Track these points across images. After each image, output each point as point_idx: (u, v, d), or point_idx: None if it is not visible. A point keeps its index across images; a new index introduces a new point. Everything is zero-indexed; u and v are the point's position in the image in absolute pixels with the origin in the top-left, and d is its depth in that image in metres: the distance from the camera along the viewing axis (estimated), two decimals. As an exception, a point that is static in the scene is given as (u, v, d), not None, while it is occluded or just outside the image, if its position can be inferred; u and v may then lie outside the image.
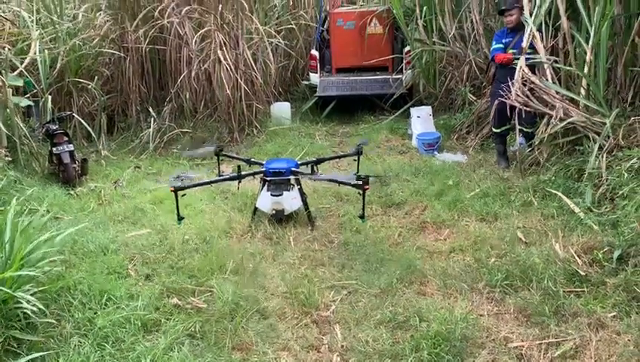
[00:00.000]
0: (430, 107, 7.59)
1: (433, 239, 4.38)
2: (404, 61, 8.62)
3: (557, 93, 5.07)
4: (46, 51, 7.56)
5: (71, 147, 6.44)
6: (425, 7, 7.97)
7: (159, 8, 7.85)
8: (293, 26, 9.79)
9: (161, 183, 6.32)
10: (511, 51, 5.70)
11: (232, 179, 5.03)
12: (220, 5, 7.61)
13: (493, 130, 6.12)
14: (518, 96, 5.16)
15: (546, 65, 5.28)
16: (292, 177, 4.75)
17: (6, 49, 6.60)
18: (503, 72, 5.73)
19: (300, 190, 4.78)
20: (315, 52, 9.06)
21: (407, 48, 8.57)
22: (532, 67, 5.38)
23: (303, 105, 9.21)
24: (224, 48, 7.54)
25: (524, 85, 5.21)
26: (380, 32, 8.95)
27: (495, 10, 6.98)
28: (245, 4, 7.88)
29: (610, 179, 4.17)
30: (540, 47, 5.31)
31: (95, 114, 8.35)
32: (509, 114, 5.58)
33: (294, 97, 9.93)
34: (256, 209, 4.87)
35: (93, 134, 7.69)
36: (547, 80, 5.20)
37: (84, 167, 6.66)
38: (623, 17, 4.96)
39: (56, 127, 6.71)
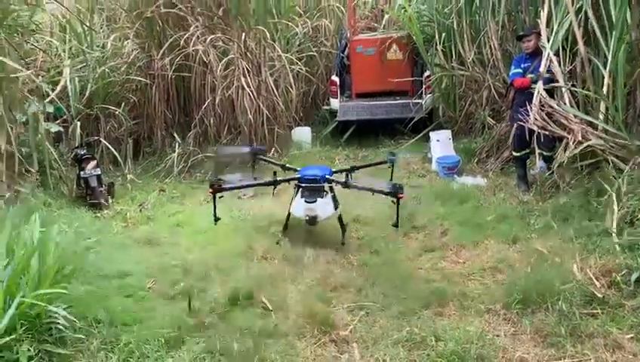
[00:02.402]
0: (450, 131, 7.64)
1: (453, 261, 4.41)
2: (423, 86, 8.72)
3: (575, 116, 5.10)
4: (76, 79, 7.87)
5: (98, 171, 6.65)
6: (444, 34, 8.08)
7: (185, 37, 8.11)
8: (314, 53, 9.99)
9: (186, 206, 6.48)
10: (529, 76, 5.75)
11: (268, 184, 5.16)
12: (244, 34, 7.85)
13: (514, 153, 6.15)
14: (537, 120, 5.20)
15: (563, 90, 5.33)
16: (326, 185, 4.80)
17: (40, 78, 6.86)
18: (522, 97, 5.77)
19: (334, 197, 4.83)
20: (335, 78, 9.23)
21: (426, 73, 8.68)
22: (551, 91, 5.43)
23: (324, 129, 9.35)
24: (247, 75, 7.76)
25: (543, 109, 5.26)
26: (399, 57, 9.09)
27: (513, 35, 7.06)
28: (268, 32, 8.12)
29: (630, 202, 4.16)
30: (557, 72, 5.36)
31: (121, 139, 8.60)
32: (528, 138, 5.61)
33: (315, 122, 10.08)
34: (289, 215, 4.94)
35: (119, 159, 7.91)
36: (565, 104, 5.24)
37: (111, 190, 6.85)
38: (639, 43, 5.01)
39: (85, 151, 6.95)
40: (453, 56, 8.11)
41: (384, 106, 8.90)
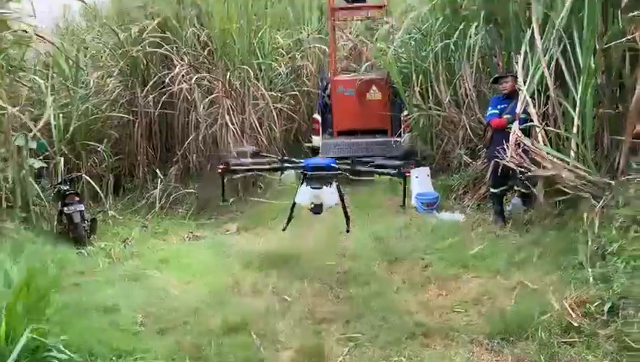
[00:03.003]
0: (428, 168, 7.87)
1: (436, 294, 4.53)
2: (402, 125, 9.00)
3: (548, 154, 5.36)
4: (60, 115, 7.92)
5: (81, 207, 6.66)
6: (421, 76, 8.42)
7: (170, 76, 8.29)
8: (297, 92, 10.25)
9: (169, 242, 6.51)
10: (506, 116, 6.02)
11: (275, 169, 5.22)
12: (229, 73, 8.07)
13: (491, 190, 6.37)
14: (513, 157, 5.45)
15: (538, 129, 5.60)
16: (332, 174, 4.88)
17: (26, 114, 6.91)
18: (499, 136, 6.01)
19: (338, 187, 4.91)
20: (317, 116, 9.47)
21: (405, 113, 8.98)
22: (526, 131, 5.70)
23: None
24: (231, 113, 7.94)
25: (518, 147, 5.51)
26: (379, 97, 9.40)
27: (487, 78, 7.40)
28: (252, 72, 8.35)
29: (602, 236, 4.38)
30: (532, 113, 5.65)
31: (103, 175, 8.64)
32: (505, 175, 5.85)
33: (297, 158, 10.24)
34: (293, 208, 4.99)
35: (101, 194, 7.92)
36: (539, 142, 5.50)
37: (94, 226, 6.85)
38: (605, 87, 5.34)
39: (67, 187, 6.96)
40: (430, 97, 8.41)
41: (364, 144, 9.13)
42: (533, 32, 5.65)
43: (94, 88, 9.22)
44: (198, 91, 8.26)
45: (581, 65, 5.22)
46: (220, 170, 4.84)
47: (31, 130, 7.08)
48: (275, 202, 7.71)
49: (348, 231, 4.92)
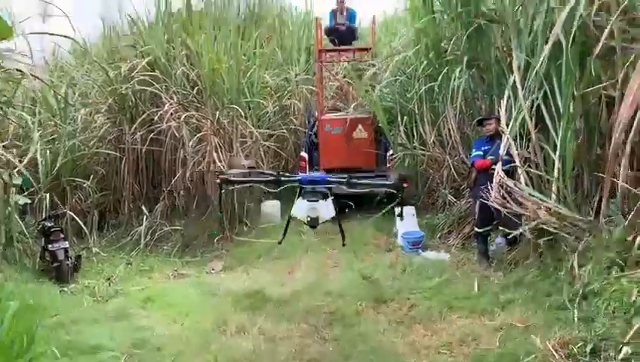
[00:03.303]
0: (413, 207, 7.97)
1: (422, 334, 4.55)
2: (387, 164, 9.12)
3: (530, 195, 5.48)
4: (47, 151, 7.93)
5: (66, 244, 6.61)
6: (406, 116, 8.60)
7: (158, 113, 8.36)
8: (284, 130, 10.37)
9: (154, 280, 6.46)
10: (489, 157, 6.17)
11: (271, 181, 5.24)
12: (217, 112, 8.17)
13: (476, 229, 6.46)
14: (497, 198, 5.56)
15: (519, 171, 5.74)
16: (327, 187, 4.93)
17: (13, 151, 6.91)
18: (483, 177, 6.14)
19: (334, 201, 4.95)
20: (304, 154, 9.56)
21: (390, 152, 9.11)
22: (510, 172, 5.84)
23: (292, 202, 9.53)
24: (219, 150, 7.99)
25: (502, 188, 5.64)
26: (365, 136, 9.53)
27: (470, 120, 7.59)
28: (240, 110, 8.46)
29: (583, 277, 4.46)
30: (515, 155, 5.80)
31: (88, 211, 8.59)
32: (489, 215, 5.96)
33: (284, 195, 10.28)
34: (289, 221, 5.00)
35: (85, 230, 7.87)
36: (521, 183, 5.63)
37: (78, 264, 6.78)
38: (584, 131, 5.52)
39: (52, 224, 6.90)
40: (415, 137, 8.58)
41: (353, 181, 9.19)
42: (515, 78, 5.84)
43: (82, 125, 9.25)
44: (187, 129, 8.33)
45: (561, 110, 5.41)
46: (218, 181, 4.89)
47: (16, 167, 7.10)
48: (260, 241, 7.72)
49: (344, 245, 4.96)
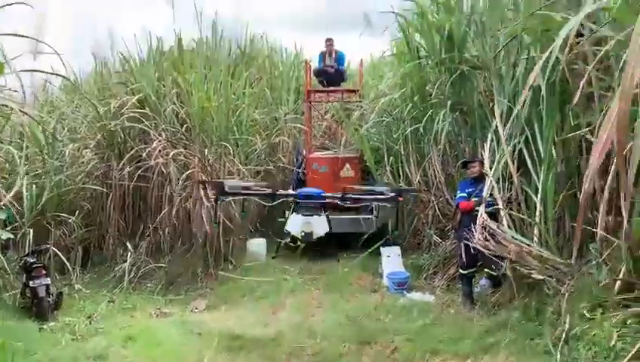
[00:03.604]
0: (399, 247, 7.99)
1: (405, 379, 4.52)
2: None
3: (513, 238, 5.54)
4: (33, 186, 7.90)
5: (47, 280, 6.52)
6: (392, 157, 8.72)
7: (147, 150, 8.41)
8: (272, 168, 10.44)
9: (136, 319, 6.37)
10: (474, 199, 6.25)
11: (267, 195, 5.23)
12: (205, 149, 8.23)
13: (461, 271, 6.49)
14: (479, 240, 5.62)
15: (502, 213, 5.83)
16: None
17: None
18: (467, 218, 6.21)
19: (327, 218, 4.93)
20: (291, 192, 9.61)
21: (377, 191, 9.19)
22: (494, 214, 5.92)
23: (279, 241, 9.53)
24: (206, 188, 8.01)
25: (485, 231, 5.70)
26: (352, 175, 9.63)
27: (454, 161, 7.72)
28: (229, 147, 8.54)
29: (565, 320, 4.49)
30: (498, 197, 5.90)
31: (71, 247, 8.51)
32: (474, 257, 6.01)
33: (270, 233, 10.27)
34: (281, 241, 4.98)
35: (68, 267, 7.78)
36: (504, 226, 5.71)
37: (59, 301, 6.68)
38: (565, 175, 5.64)
39: (34, 260, 6.82)
40: (401, 177, 8.68)
41: (337, 221, 9.24)
42: (497, 123, 5.99)
43: (70, 160, 9.25)
44: (174, 166, 8.36)
45: (542, 155, 5.54)
46: (214, 193, 4.93)
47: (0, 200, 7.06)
48: (245, 278, 7.68)
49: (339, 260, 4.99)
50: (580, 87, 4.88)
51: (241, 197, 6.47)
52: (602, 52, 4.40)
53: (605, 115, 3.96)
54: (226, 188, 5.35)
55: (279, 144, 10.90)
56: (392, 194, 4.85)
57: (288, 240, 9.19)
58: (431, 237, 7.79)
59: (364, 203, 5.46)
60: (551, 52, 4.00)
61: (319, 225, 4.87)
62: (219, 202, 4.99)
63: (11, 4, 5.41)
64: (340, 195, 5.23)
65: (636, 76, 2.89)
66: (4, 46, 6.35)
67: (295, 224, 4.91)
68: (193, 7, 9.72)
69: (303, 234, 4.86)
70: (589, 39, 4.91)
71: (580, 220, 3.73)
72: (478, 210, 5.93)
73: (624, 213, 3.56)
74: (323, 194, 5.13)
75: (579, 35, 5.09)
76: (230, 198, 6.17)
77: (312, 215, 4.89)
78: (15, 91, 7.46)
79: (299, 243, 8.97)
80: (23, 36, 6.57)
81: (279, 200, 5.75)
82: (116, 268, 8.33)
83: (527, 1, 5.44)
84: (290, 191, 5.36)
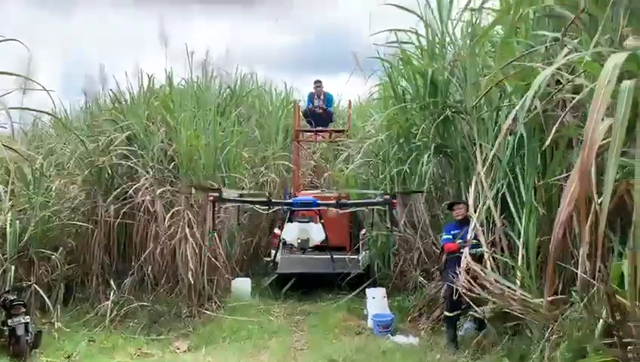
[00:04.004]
0: (384, 289, 7.97)
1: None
2: (360, 242, 9.21)
3: (496, 281, 5.57)
4: (17, 222, 7.83)
5: (27, 319, 6.41)
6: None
7: (134, 187, 8.41)
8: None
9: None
10: (458, 241, 6.30)
11: (262, 203, 5.22)
12: (192, 188, 8.25)
13: (445, 313, 6.48)
14: (464, 283, 5.65)
15: (486, 256, 5.87)
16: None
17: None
18: (453, 260, 6.26)
19: (323, 226, 4.91)
20: (278, 231, 9.59)
21: (363, 231, 9.22)
22: (479, 257, 5.96)
23: (264, 280, 9.48)
24: (192, 226, 8.00)
25: (468, 273, 5.73)
26: (339, 215, 9.66)
27: (440, 203, 7.80)
28: (215, 185, 8.56)
29: (548, 364, 4.49)
30: (482, 240, 5.96)
31: (53, 284, 8.38)
32: (459, 299, 6.01)
33: (255, 273, 10.21)
34: (279, 245, 4.94)
35: (49, 304, 7.65)
36: (487, 269, 5.75)
37: (37, 340, 6.55)
38: (546, 219, 5.72)
39: (15, 297, 6.72)
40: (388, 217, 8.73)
41: (323, 261, 9.21)
42: (479, 168, 6.09)
43: (56, 195, 9.20)
44: (161, 203, 8.36)
45: (524, 199, 5.63)
46: (210, 199, 4.97)
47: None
48: (229, 317, 7.60)
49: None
50: (552, 131, 5.02)
51: (238, 205, 6.60)
52: (576, 99, 4.54)
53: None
54: (224, 195, 5.48)
55: (267, 182, 10.94)
56: (387, 197, 5.01)
57: (274, 277, 9.16)
58: (416, 278, 7.79)
59: (359, 208, 5.66)
60: (526, 99, 4.13)
61: (316, 232, 4.92)
62: (216, 209, 5.09)
63: (2, 40, 5.50)
64: (334, 202, 5.35)
65: (599, 126, 2.99)
66: (-6, 82, 6.42)
67: (291, 232, 4.96)
68: (185, 47, 9.91)
69: (299, 241, 4.89)
70: (567, 88, 5.07)
71: (550, 266, 3.79)
72: (462, 252, 5.98)
73: (598, 258, 3.63)
74: (318, 201, 5.23)
75: (558, 83, 5.28)
76: (228, 205, 6.30)
77: (307, 222, 4.96)
78: (4, 127, 7.48)
79: (286, 281, 8.97)
80: (13, 74, 6.69)
81: (273, 208, 5.84)
82: (99, 307, 8.20)
83: (507, 50, 5.62)
84: (286, 201, 5.47)
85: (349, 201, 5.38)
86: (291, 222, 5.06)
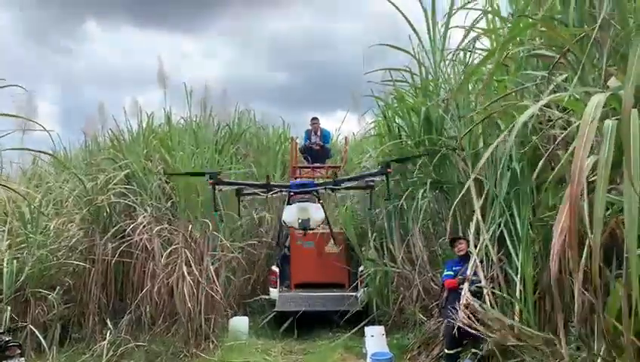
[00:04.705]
0: (383, 327, 7.89)
1: None
2: (358, 279, 9.16)
3: (495, 317, 5.54)
4: (14, 261, 7.81)
5: (22, 360, 6.30)
6: (375, 233, 8.80)
7: (132, 226, 8.43)
8: (256, 243, 10.44)
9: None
10: (458, 277, 6.28)
11: (261, 186, 5.20)
12: (190, 226, 8.27)
13: (446, 351, 6.40)
14: (464, 318, 5.62)
15: (485, 292, 5.85)
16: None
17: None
18: (453, 297, 6.23)
19: (322, 206, 4.88)
20: (275, 268, 9.57)
21: (361, 267, 9.19)
22: (478, 292, 5.93)
23: (261, 318, 9.39)
24: (189, 264, 7.99)
25: (467, 308, 5.71)
26: (336, 251, 9.65)
27: (437, 239, 7.80)
28: (212, 224, 8.59)
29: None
30: (481, 276, 5.95)
31: (49, 324, 8.30)
32: (459, 335, 5.96)
33: (253, 310, 10.11)
34: (281, 228, 4.92)
35: (45, 345, 7.57)
36: (486, 304, 5.72)
37: (31, 383, 6.45)
38: (543, 254, 5.74)
39: (10, 338, 6.63)
40: (385, 253, 8.72)
41: (321, 298, 9.16)
42: (475, 205, 6.13)
43: (54, 234, 9.20)
44: (158, 241, 8.36)
45: (520, 234, 5.65)
46: (210, 182, 5.01)
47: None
48: (226, 360, 7.50)
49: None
50: (539, 166, 5.09)
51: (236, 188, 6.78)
52: (563, 135, 4.62)
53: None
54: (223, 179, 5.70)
55: (263, 219, 10.96)
56: (381, 166, 5.16)
57: (272, 314, 9.08)
58: (415, 315, 7.73)
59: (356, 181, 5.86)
60: (511, 135, 4.22)
61: (315, 212, 4.92)
62: (216, 191, 5.20)
63: (3, 86, 5.62)
64: (332, 181, 5.46)
65: (585, 163, 3.05)
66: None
67: (291, 213, 4.94)
68: (183, 86, 10.06)
69: (299, 221, 4.86)
70: (558, 123, 5.16)
71: (556, 297, 3.77)
72: (462, 288, 5.96)
73: (594, 295, 3.64)
74: (316, 183, 5.32)
75: (550, 120, 5.38)
76: (226, 188, 6.48)
77: (307, 200, 4.96)
78: (2, 168, 7.55)
79: (284, 319, 8.88)
80: (13, 116, 6.81)
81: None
82: (95, 347, 8.10)
83: (499, 88, 5.75)
84: (284, 184, 5.61)
85: (344, 177, 5.58)
86: (290, 204, 5.14)
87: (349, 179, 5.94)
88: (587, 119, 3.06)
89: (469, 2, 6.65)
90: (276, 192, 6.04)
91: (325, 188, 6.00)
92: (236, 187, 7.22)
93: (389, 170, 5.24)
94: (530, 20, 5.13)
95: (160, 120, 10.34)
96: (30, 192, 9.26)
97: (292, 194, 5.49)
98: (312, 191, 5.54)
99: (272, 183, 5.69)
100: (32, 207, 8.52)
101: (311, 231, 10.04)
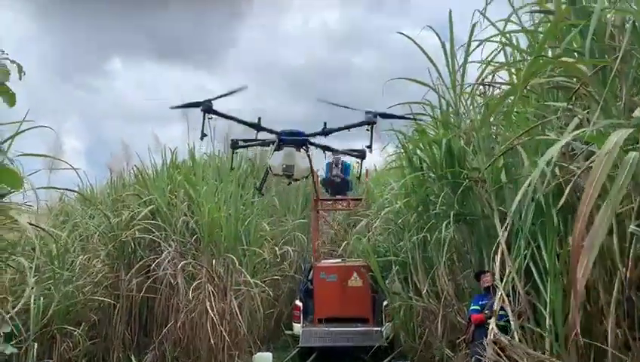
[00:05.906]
0: (409, 362, 7.74)
1: None
2: (383, 313, 9.04)
3: (524, 352, 5.39)
4: (41, 298, 7.90)
5: (48, 398, 6.35)
6: (398, 266, 8.70)
7: (156, 261, 8.50)
8: (279, 277, 10.42)
9: None
10: (485, 312, 6.16)
11: (252, 125, 5.27)
12: (214, 260, 8.32)
13: (474, 388, 6.24)
14: (492, 355, 5.48)
15: (513, 326, 5.71)
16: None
17: (8, 298, 6.91)
18: (480, 332, 6.10)
19: (309, 156, 4.88)
20: (299, 302, 9.51)
21: (385, 301, 9.07)
22: (506, 327, 5.78)
23: (285, 354, 9.29)
24: (212, 299, 7.99)
25: (495, 344, 5.56)
26: (360, 284, 9.57)
27: (461, 272, 7.68)
28: (235, 259, 8.61)
29: None
30: (508, 310, 5.81)
31: (75, 360, 8.33)
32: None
33: (277, 346, 10.03)
34: (267, 172, 4.88)
35: (69, 383, 7.58)
36: (514, 339, 5.57)
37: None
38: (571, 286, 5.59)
39: (36, 376, 6.68)
40: (410, 286, 8.59)
41: (346, 333, 9.03)
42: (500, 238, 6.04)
43: (80, 269, 9.31)
44: (182, 276, 8.41)
45: (547, 267, 5.54)
46: (202, 109, 5.13)
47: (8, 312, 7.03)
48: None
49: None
50: (564, 196, 5.01)
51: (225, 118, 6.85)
52: (585, 166, 4.57)
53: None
54: (213, 107, 5.77)
55: (287, 253, 10.96)
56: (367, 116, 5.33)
57: (296, 351, 8.98)
58: (442, 350, 7.56)
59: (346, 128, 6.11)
60: (534, 172, 4.19)
61: (300, 160, 4.95)
62: (206, 119, 5.30)
63: (32, 127, 5.80)
64: (321, 131, 5.58)
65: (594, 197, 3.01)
66: (25, 163, 6.70)
67: (277, 159, 4.97)
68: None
69: (284, 166, 4.84)
70: (582, 156, 5.11)
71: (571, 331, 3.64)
72: (489, 323, 5.83)
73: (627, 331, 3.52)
74: (306, 133, 5.42)
75: (573, 150, 5.33)
76: (218, 116, 6.56)
77: (293, 146, 5.01)
78: (30, 206, 7.71)
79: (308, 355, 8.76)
80: (42, 155, 7.00)
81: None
82: (119, 385, 8.10)
83: (520, 120, 5.73)
84: (274, 129, 5.69)
85: (333, 128, 5.67)
86: (277, 151, 5.25)
87: (338, 129, 6.11)
88: (603, 156, 3.05)
89: (488, 39, 6.67)
90: (267, 141, 6.24)
91: (315, 144, 6.21)
92: (227, 119, 7.22)
93: (374, 122, 5.40)
94: (550, 58, 5.15)
95: (184, 155, 10.53)
96: (57, 232, 9.41)
97: (282, 143, 5.69)
98: (302, 144, 5.74)
99: (262, 126, 5.86)
100: (59, 243, 8.65)
101: (334, 264, 10.07)
